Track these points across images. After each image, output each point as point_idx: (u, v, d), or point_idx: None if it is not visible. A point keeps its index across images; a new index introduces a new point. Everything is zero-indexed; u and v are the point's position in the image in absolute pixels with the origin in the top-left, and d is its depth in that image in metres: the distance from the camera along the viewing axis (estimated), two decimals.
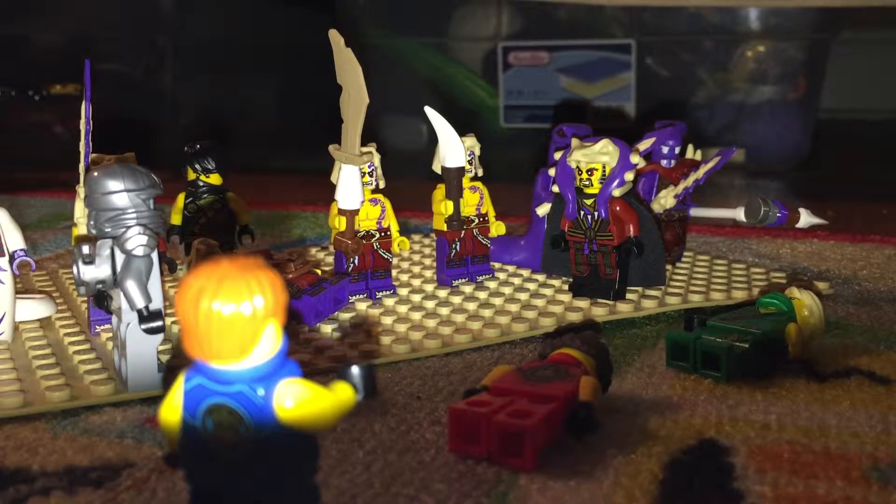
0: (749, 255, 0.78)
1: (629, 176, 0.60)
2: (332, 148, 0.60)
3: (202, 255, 0.60)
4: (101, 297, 0.46)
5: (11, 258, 0.54)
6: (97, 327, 0.55)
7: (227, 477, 0.25)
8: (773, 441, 0.40)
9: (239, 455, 0.24)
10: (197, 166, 0.68)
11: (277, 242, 0.87)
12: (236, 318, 0.23)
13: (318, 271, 0.59)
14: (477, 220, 0.65)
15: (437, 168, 0.64)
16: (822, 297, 0.53)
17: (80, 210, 0.58)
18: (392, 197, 0.63)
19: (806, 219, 0.69)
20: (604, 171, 0.60)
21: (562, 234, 0.62)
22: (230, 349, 0.24)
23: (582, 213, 0.61)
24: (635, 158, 0.60)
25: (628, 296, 0.61)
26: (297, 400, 0.24)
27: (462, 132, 0.63)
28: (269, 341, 0.24)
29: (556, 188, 0.62)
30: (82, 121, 0.64)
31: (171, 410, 0.26)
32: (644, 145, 0.67)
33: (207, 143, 0.69)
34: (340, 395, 0.25)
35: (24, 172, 1.32)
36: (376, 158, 0.62)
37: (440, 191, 0.64)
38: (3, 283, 0.53)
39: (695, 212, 0.72)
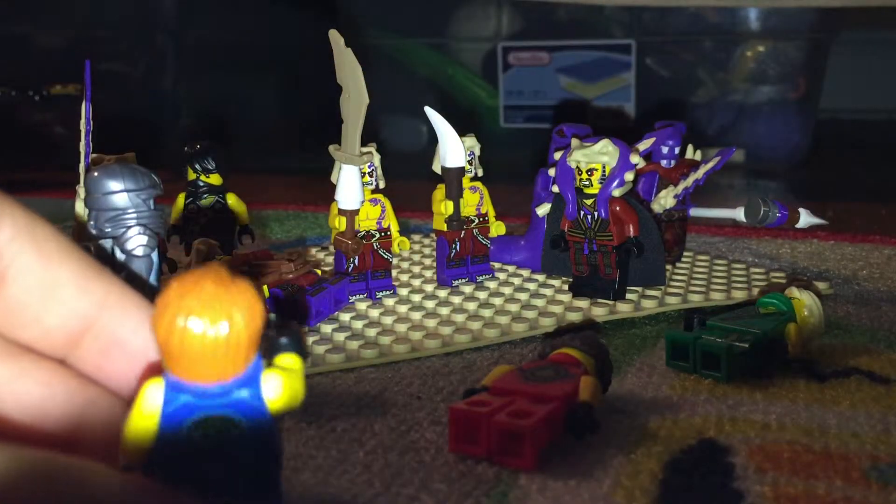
0: (749, 255, 0.78)
1: (629, 176, 0.60)
2: (332, 148, 0.60)
3: (202, 256, 0.60)
4: None
5: None
6: None
7: (214, 475, 0.23)
8: (773, 441, 0.40)
9: (232, 454, 0.23)
10: (197, 166, 0.68)
11: (277, 242, 0.87)
12: (233, 336, 0.22)
13: (318, 271, 0.59)
14: (477, 220, 0.65)
15: (437, 168, 0.64)
16: (822, 297, 0.53)
17: (80, 210, 0.58)
18: (392, 197, 0.63)
19: (806, 219, 0.69)
20: (604, 171, 0.60)
21: (562, 234, 0.62)
22: (235, 365, 0.22)
23: (582, 213, 0.61)
24: (635, 158, 0.60)
25: (628, 296, 0.61)
26: (280, 388, 0.24)
27: (462, 132, 0.63)
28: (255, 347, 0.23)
29: (556, 188, 0.62)
30: (82, 121, 0.64)
31: (143, 421, 0.23)
32: (644, 145, 0.67)
33: (207, 143, 0.69)
34: (296, 366, 0.24)
35: (24, 172, 1.32)
36: (376, 158, 0.62)
37: (440, 191, 0.64)
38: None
39: (695, 212, 0.72)
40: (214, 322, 0.21)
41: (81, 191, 0.62)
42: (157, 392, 0.23)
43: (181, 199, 0.68)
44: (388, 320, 0.57)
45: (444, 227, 0.63)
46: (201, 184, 0.68)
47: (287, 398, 0.24)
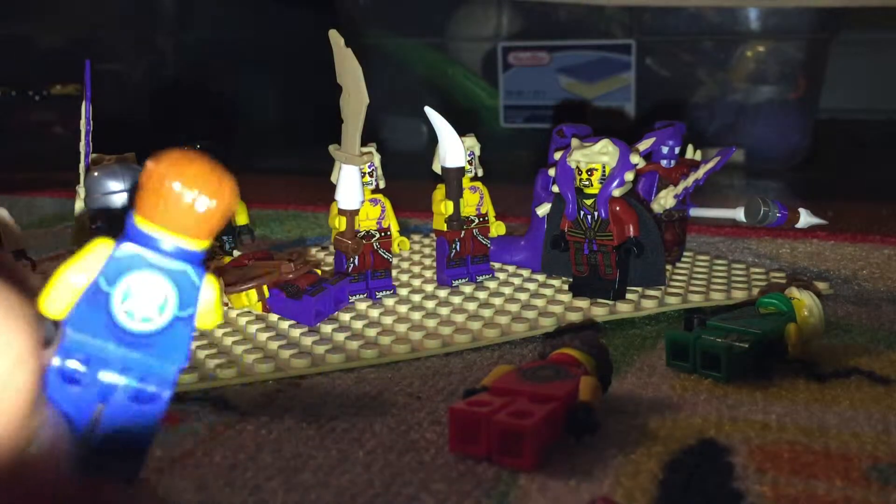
0: (749, 255, 0.78)
1: (629, 176, 0.60)
2: (332, 148, 0.60)
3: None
4: None
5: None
6: None
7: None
8: (773, 441, 0.40)
9: (142, 333, 0.24)
10: None
11: (277, 242, 0.87)
12: (217, 204, 0.24)
13: (318, 271, 0.59)
14: (477, 220, 0.65)
15: (437, 168, 0.64)
16: (822, 297, 0.53)
17: (80, 210, 0.58)
18: (392, 197, 0.63)
19: (806, 219, 0.69)
20: (604, 171, 0.60)
21: (562, 234, 0.62)
22: (204, 228, 0.24)
23: (582, 213, 0.61)
24: (635, 158, 0.60)
25: (628, 296, 0.61)
26: (214, 295, 0.25)
27: (462, 132, 0.63)
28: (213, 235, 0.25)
29: (556, 188, 0.62)
30: (82, 121, 0.64)
31: (77, 272, 0.24)
32: (644, 145, 0.67)
33: (207, 143, 0.69)
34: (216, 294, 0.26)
35: (24, 172, 1.32)
36: (376, 158, 0.62)
37: (440, 191, 0.64)
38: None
39: (695, 212, 0.72)
40: (210, 195, 0.24)
41: (81, 191, 0.62)
42: (104, 249, 0.24)
43: None
44: (388, 320, 0.57)
45: (444, 227, 0.63)
46: None
47: (212, 307, 0.25)
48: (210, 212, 0.24)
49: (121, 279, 0.24)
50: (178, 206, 0.23)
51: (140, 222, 0.24)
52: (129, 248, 0.24)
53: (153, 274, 0.24)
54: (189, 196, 0.23)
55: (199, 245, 0.24)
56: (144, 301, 0.24)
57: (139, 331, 0.24)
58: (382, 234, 0.62)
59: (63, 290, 0.24)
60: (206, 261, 0.64)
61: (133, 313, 0.24)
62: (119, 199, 0.44)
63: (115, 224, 0.45)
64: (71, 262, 0.24)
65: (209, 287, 0.25)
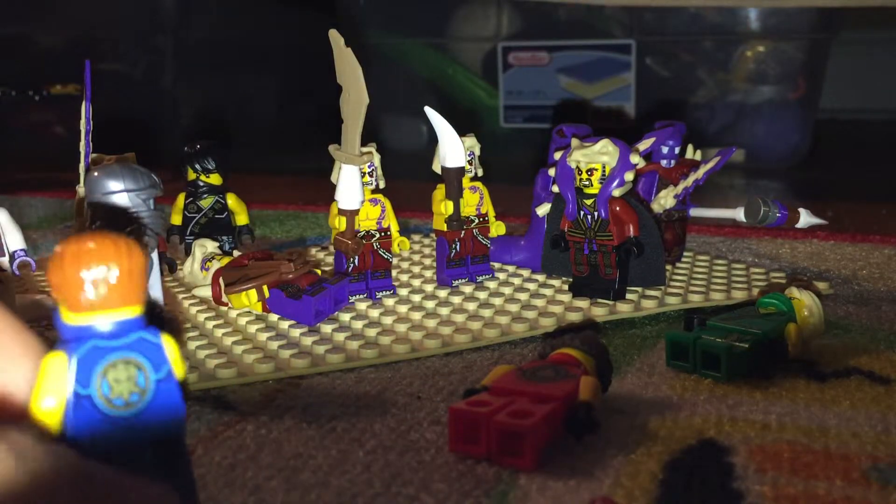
0: (749, 255, 0.78)
1: (629, 176, 0.60)
2: (332, 148, 0.60)
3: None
4: None
5: (11, 258, 0.54)
6: None
7: (125, 441, 0.25)
8: (773, 441, 0.40)
9: (139, 410, 0.25)
10: (197, 166, 0.67)
11: (277, 242, 0.87)
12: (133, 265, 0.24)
13: (318, 271, 0.59)
14: (477, 220, 0.65)
15: (437, 168, 0.64)
16: (821, 297, 0.53)
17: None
18: (392, 197, 0.63)
19: (806, 219, 0.69)
20: (604, 171, 0.60)
21: (562, 234, 0.62)
22: (127, 294, 0.24)
23: (582, 213, 0.61)
24: (635, 158, 0.60)
25: (628, 296, 0.61)
26: (173, 346, 0.25)
27: (462, 132, 0.63)
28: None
29: (556, 188, 0.62)
30: (82, 121, 0.64)
31: (47, 397, 0.24)
32: (644, 145, 0.67)
33: (207, 143, 0.69)
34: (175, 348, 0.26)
35: (24, 172, 1.32)
36: (376, 158, 0.62)
37: (440, 191, 0.64)
38: (2, 282, 0.53)
39: (695, 212, 0.72)
40: (113, 263, 0.24)
41: (81, 191, 0.62)
42: (59, 363, 0.24)
43: (181, 199, 0.68)
44: (388, 320, 0.57)
45: (444, 227, 0.63)
46: (201, 184, 0.68)
47: (178, 360, 0.26)
48: (122, 277, 0.24)
49: (93, 377, 0.24)
50: (93, 288, 0.24)
51: (71, 319, 0.24)
52: (84, 344, 0.24)
53: (117, 356, 0.24)
54: (96, 274, 0.24)
55: (134, 310, 0.25)
56: (124, 383, 0.24)
57: (133, 410, 0.25)
58: (382, 234, 0.62)
59: (46, 419, 0.24)
60: (207, 261, 0.64)
61: (122, 398, 0.24)
62: (119, 199, 0.44)
63: (114, 223, 0.45)
64: (36, 391, 0.24)
65: (166, 341, 0.25)
